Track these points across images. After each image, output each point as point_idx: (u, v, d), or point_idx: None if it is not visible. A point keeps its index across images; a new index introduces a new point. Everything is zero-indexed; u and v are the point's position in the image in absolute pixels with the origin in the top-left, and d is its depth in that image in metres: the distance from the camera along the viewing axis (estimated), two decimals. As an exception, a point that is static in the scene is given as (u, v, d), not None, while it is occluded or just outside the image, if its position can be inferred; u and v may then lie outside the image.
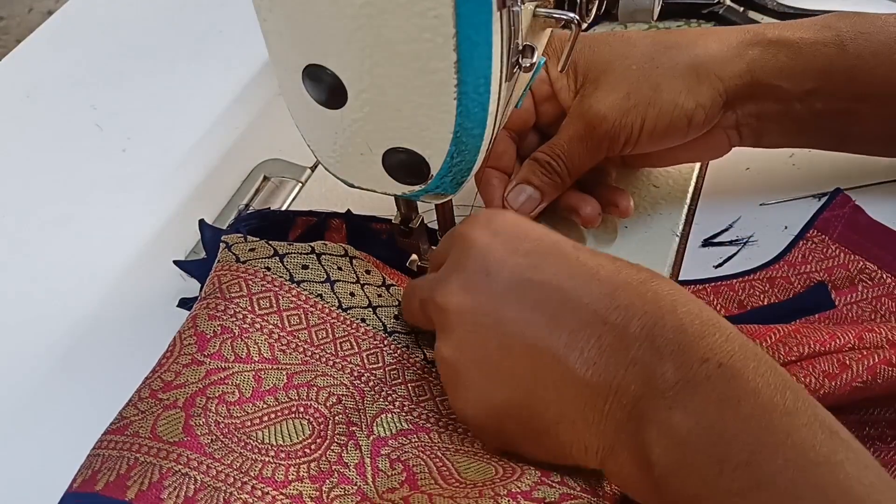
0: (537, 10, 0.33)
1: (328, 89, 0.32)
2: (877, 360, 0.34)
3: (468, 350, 0.33)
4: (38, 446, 0.41)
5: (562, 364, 0.31)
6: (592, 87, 0.42)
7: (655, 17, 0.40)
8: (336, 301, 0.40)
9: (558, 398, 0.31)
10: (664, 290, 0.31)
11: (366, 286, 0.41)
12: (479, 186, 0.46)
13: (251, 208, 0.51)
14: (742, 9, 0.61)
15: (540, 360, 0.31)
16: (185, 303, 0.45)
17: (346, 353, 0.38)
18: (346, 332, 0.39)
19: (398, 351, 0.40)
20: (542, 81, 0.44)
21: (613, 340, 0.30)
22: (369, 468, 0.35)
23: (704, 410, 0.28)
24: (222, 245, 0.40)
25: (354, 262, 0.42)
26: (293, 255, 0.40)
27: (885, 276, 0.41)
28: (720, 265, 0.45)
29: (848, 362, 0.35)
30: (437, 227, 0.43)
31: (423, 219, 0.42)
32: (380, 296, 0.41)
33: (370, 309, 0.40)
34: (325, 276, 0.40)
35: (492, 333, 0.32)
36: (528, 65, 0.32)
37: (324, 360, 0.38)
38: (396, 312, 0.41)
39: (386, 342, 0.40)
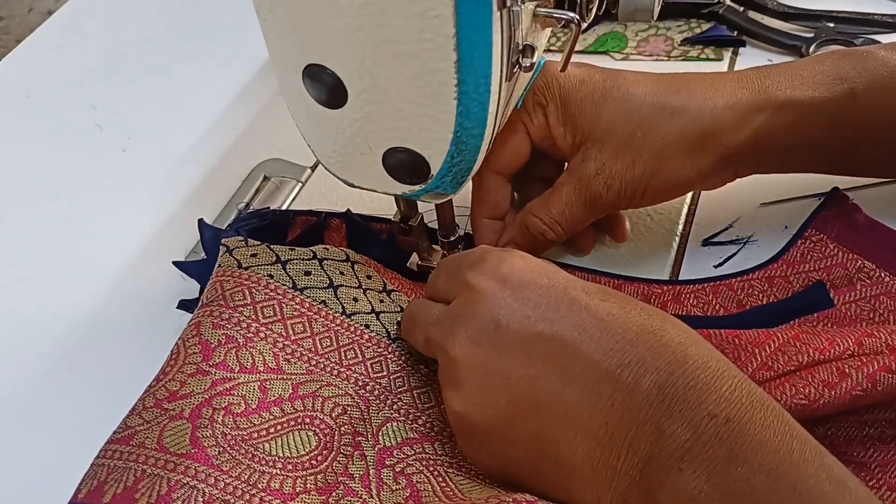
0: (537, 10, 0.33)
1: (328, 89, 0.32)
2: (876, 368, 0.34)
3: (479, 406, 0.33)
4: (38, 446, 0.41)
5: (574, 421, 0.31)
6: (595, 149, 0.41)
7: (655, 17, 0.40)
8: (340, 307, 0.40)
9: (570, 455, 0.31)
10: (675, 339, 0.31)
11: (368, 291, 0.41)
12: (474, 231, 0.45)
13: (251, 208, 0.51)
14: (742, 9, 0.61)
15: (551, 417, 0.31)
16: (184, 304, 0.45)
17: (351, 363, 0.38)
18: (351, 340, 0.39)
19: (402, 358, 0.40)
20: (541, 127, 0.42)
21: (625, 398, 0.30)
22: (374, 480, 0.35)
23: (713, 470, 0.28)
24: (223, 249, 0.40)
25: (356, 266, 0.42)
26: (295, 261, 0.40)
27: (883, 274, 0.41)
28: (720, 265, 0.45)
29: (847, 370, 0.34)
30: (437, 226, 0.43)
31: (422, 217, 0.42)
32: (381, 301, 0.41)
33: (373, 315, 0.40)
34: (329, 282, 0.40)
35: (502, 390, 0.32)
36: (528, 65, 0.32)
37: (328, 369, 0.38)
38: (399, 319, 0.41)
39: (390, 349, 0.40)
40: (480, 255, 0.36)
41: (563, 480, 0.32)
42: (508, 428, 0.32)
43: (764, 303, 0.42)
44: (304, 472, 0.34)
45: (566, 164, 0.43)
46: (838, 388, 0.34)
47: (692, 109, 0.40)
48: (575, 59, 0.37)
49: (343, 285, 0.40)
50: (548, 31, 0.36)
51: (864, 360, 0.35)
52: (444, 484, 0.35)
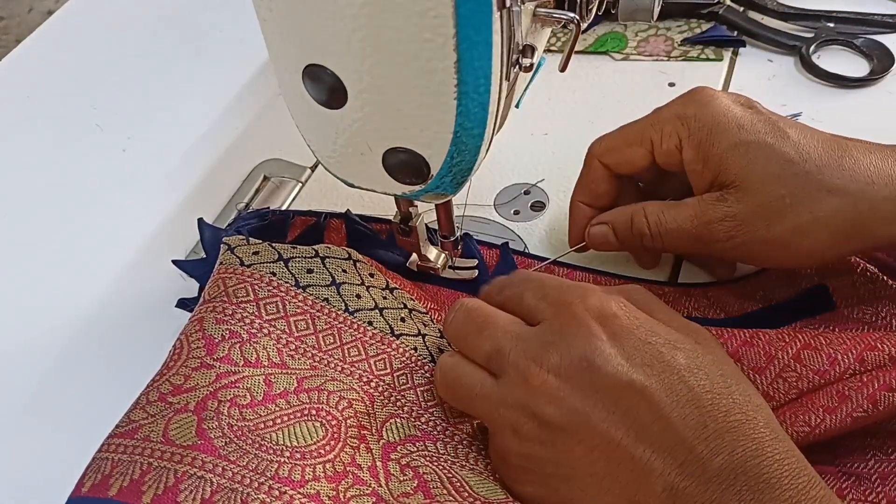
0: (537, 10, 0.33)
1: (328, 89, 0.32)
2: (877, 387, 0.34)
3: (549, 441, 0.33)
4: (38, 446, 0.41)
5: (640, 480, 0.31)
6: (734, 198, 0.38)
7: (655, 18, 0.40)
8: (343, 304, 0.40)
9: None
10: (759, 427, 0.31)
11: (371, 288, 0.41)
12: (570, 212, 0.45)
13: (251, 208, 0.51)
14: (742, 9, 0.61)
15: (618, 468, 0.31)
16: (183, 303, 0.45)
17: (354, 359, 0.38)
18: (354, 338, 0.39)
19: (406, 354, 0.40)
20: (668, 154, 0.40)
21: (695, 471, 0.30)
22: (381, 471, 0.35)
23: None
24: (224, 247, 0.40)
25: (358, 265, 0.42)
26: (298, 259, 0.40)
27: (885, 278, 0.41)
28: (720, 265, 0.45)
29: (847, 392, 0.34)
30: (437, 226, 0.43)
31: (422, 218, 0.42)
32: (384, 298, 0.41)
33: (377, 311, 0.40)
34: (331, 280, 0.40)
35: (578, 429, 0.32)
36: (527, 64, 0.32)
37: (332, 365, 0.38)
38: (402, 315, 0.41)
39: (394, 346, 0.39)
40: (585, 289, 0.35)
41: None
42: (571, 467, 0.32)
43: (765, 305, 0.42)
44: (313, 461, 0.34)
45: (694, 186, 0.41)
46: (839, 411, 0.34)
47: (851, 193, 0.37)
48: (575, 59, 0.37)
49: (346, 283, 0.40)
50: (548, 31, 0.36)
51: (865, 380, 0.34)
52: (451, 476, 0.35)
